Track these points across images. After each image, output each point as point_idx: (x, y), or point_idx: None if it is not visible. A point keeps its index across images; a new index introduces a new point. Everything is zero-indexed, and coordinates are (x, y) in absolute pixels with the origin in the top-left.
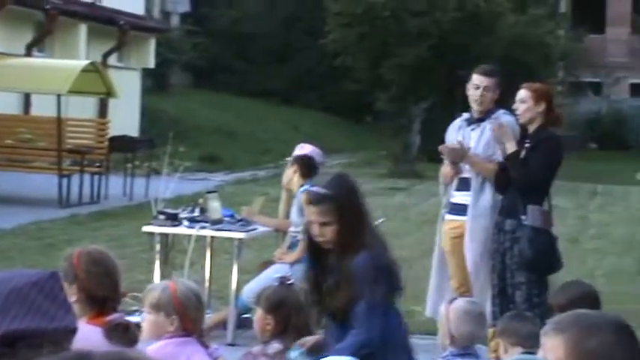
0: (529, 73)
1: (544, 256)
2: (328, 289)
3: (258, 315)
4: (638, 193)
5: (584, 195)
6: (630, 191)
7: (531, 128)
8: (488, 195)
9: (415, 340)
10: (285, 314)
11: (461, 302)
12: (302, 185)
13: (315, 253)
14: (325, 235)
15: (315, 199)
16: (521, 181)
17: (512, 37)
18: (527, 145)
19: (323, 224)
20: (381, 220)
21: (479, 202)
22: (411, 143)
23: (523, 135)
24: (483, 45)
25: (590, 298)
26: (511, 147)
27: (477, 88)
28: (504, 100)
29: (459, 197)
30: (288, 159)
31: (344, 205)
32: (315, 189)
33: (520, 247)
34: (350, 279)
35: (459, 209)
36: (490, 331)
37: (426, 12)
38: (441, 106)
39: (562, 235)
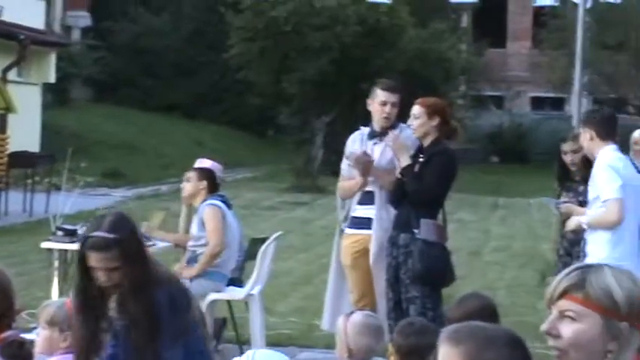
0: (430, 87)
1: (436, 269)
2: (123, 329)
3: None
4: (539, 206)
5: (486, 208)
6: (531, 204)
7: (425, 142)
8: (393, 208)
9: (314, 355)
10: None
11: (359, 316)
12: (204, 200)
13: (90, 296)
14: (113, 279)
15: (99, 246)
16: (416, 194)
17: (413, 51)
18: (421, 159)
19: (111, 269)
20: (277, 234)
21: (385, 215)
22: (313, 157)
23: (418, 149)
24: (385, 59)
25: (487, 311)
26: (405, 161)
27: (384, 104)
28: (405, 113)
29: (362, 211)
30: (188, 174)
31: (130, 246)
32: (98, 234)
33: (413, 260)
34: (146, 319)
35: (361, 223)
36: (389, 345)
37: (327, 26)
38: (343, 119)
39: (464, 248)
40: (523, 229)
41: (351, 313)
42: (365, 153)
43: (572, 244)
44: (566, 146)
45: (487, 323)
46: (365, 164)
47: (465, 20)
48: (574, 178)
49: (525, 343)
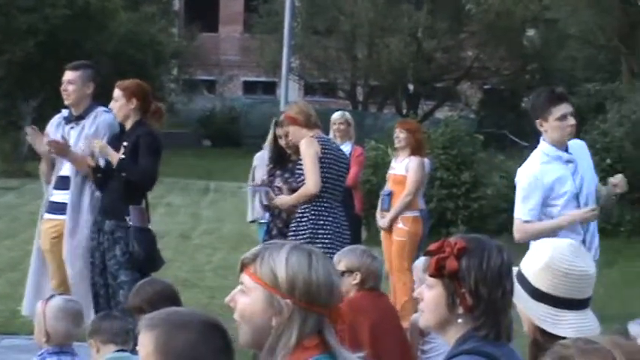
0: (141, 70)
1: (147, 254)
2: None
3: None
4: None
5: (197, 192)
6: (241, 187)
7: (128, 125)
8: (87, 193)
9: (18, 341)
10: None
11: (57, 300)
12: None
13: None
14: None
15: None
16: (139, 181)
17: (124, 34)
18: (125, 143)
19: None
20: None
21: (79, 200)
22: (21, 141)
23: (121, 132)
24: (95, 42)
25: (166, 296)
26: (115, 158)
27: (63, 82)
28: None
29: (58, 196)
30: None
31: None
32: None
33: (121, 247)
34: None
35: (58, 208)
36: None
37: (35, 8)
38: (50, 103)
39: (173, 231)
40: (232, 212)
41: (51, 297)
42: (63, 138)
43: (287, 224)
44: (280, 130)
45: (186, 309)
46: (60, 148)
47: (177, 4)
48: (291, 159)
49: (224, 326)
